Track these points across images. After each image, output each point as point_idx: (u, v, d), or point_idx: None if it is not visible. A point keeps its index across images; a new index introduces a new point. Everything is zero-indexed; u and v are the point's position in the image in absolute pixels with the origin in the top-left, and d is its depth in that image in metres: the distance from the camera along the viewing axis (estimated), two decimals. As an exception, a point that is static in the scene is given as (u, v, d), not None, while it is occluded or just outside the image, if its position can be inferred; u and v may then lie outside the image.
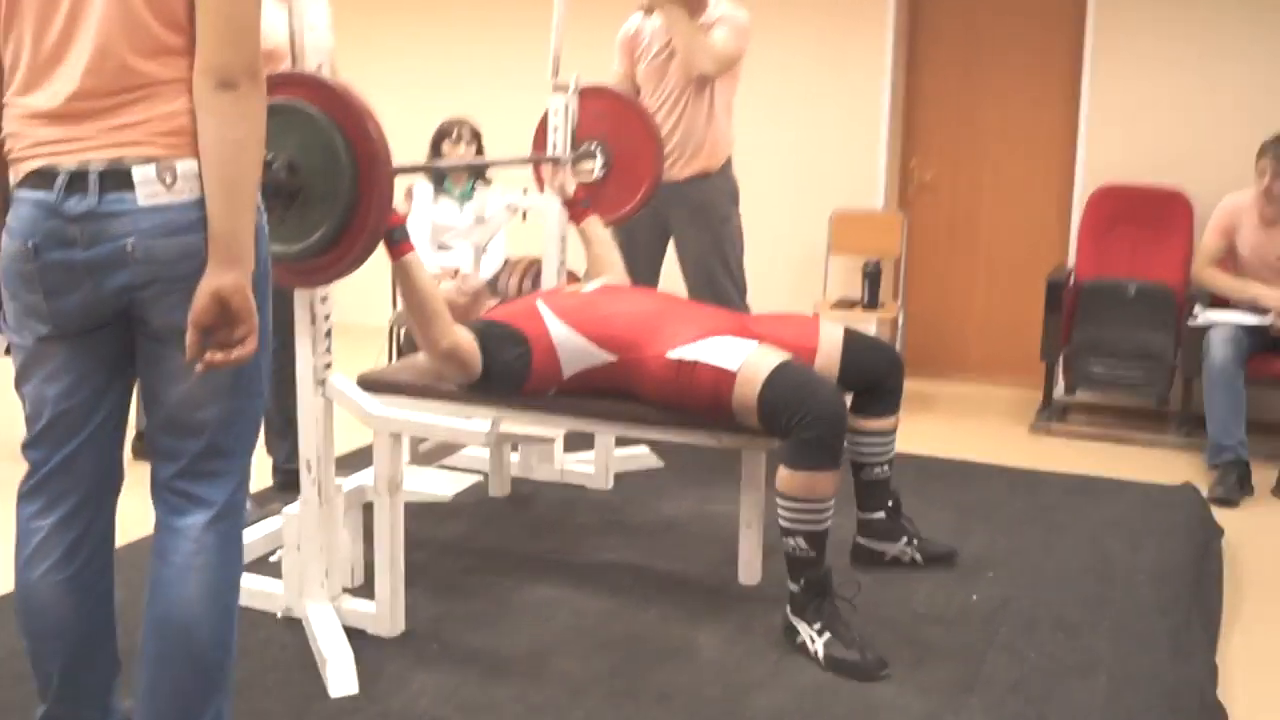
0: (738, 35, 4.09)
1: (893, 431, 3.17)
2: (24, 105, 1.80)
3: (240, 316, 1.77)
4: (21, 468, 1.99)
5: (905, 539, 3.24)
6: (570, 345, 2.99)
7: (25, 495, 1.98)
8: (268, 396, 3.70)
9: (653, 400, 2.97)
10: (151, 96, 1.76)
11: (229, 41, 1.72)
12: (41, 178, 1.77)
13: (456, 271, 3.52)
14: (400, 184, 2.81)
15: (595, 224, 3.63)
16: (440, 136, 4.91)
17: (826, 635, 2.68)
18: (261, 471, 3.80)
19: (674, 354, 2.88)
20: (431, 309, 2.79)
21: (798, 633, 2.74)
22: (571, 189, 3.62)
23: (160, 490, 1.95)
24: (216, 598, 1.94)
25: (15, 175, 1.82)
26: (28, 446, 1.96)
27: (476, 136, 4.94)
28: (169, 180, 1.75)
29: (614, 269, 3.57)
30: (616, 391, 3.03)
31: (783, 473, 2.73)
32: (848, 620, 2.73)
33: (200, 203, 1.77)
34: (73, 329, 1.86)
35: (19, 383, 1.95)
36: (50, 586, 1.96)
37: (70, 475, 1.95)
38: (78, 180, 1.74)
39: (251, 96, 1.74)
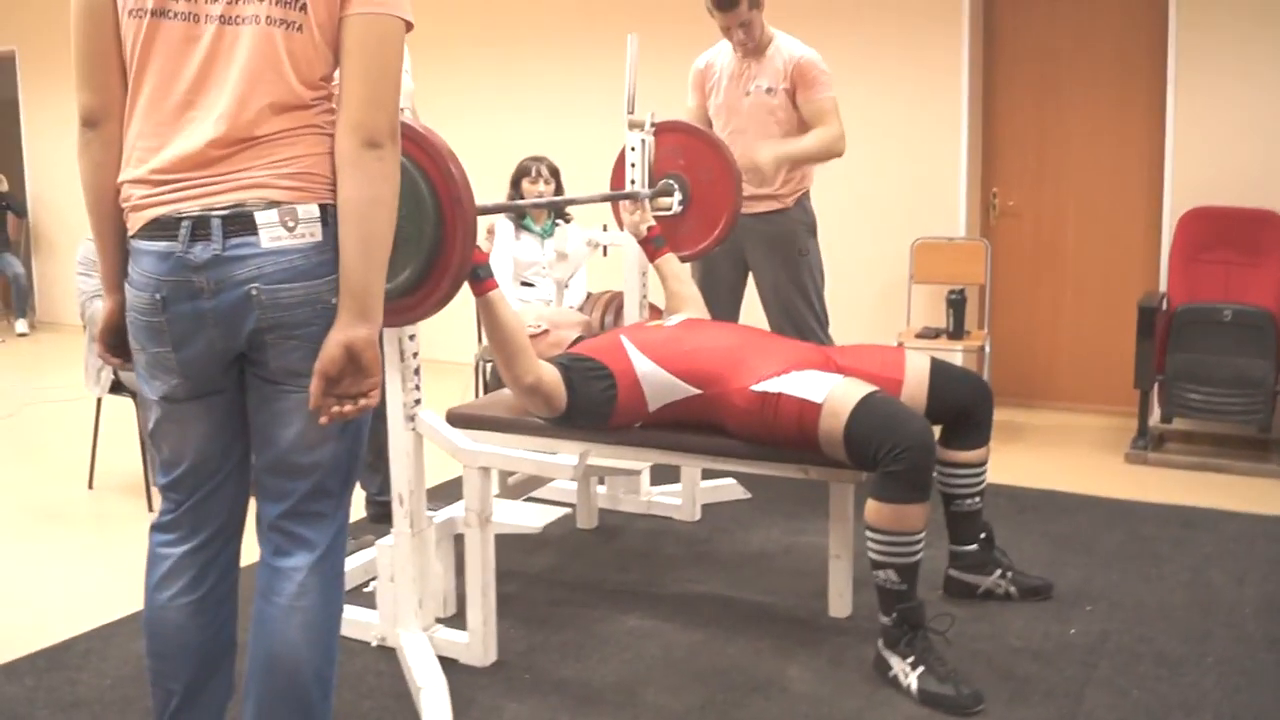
0: (833, 109, 4.10)
1: (983, 464, 3.12)
2: (144, 151, 1.79)
3: (369, 370, 1.81)
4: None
5: (999, 571, 3.18)
6: (655, 380, 3.00)
7: (161, 527, 2.03)
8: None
9: (738, 433, 2.96)
10: (274, 144, 1.79)
11: (377, 103, 1.77)
12: (163, 226, 1.77)
13: (548, 303, 3.57)
14: (482, 222, 2.85)
15: (671, 260, 3.65)
16: (520, 175, 4.98)
17: (920, 669, 2.64)
18: (354, 504, 3.88)
19: (758, 387, 2.87)
20: (516, 345, 2.81)
21: (890, 666, 2.70)
22: (645, 229, 3.63)
23: (265, 530, 1.99)
24: (319, 639, 1.97)
25: (133, 224, 1.82)
26: (167, 489, 2.01)
27: (555, 174, 5.00)
28: (290, 224, 1.77)
29: (692, 303, 3.57)
30: (702, 424, 3.03)
31: (871, 505, 2.70)
32: (941, 654, 2.68)
33: (320, 247, 1.80)
34: (201, 377, 1.89)
35: (154, 433, 1.98)
36: (178, 609, 2.02)
37: (205, 513, 2.01)
38: (201, 226, 1.75)
39: (393, 157, 1.79)
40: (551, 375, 2.92)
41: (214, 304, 1.78)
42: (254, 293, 1.77)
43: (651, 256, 3.66)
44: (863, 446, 2.69)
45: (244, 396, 1.94)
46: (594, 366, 3.02)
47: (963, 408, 3.07)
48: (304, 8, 1.77)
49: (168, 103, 1.78)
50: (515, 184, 4.98)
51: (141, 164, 1.79)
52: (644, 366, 3.01)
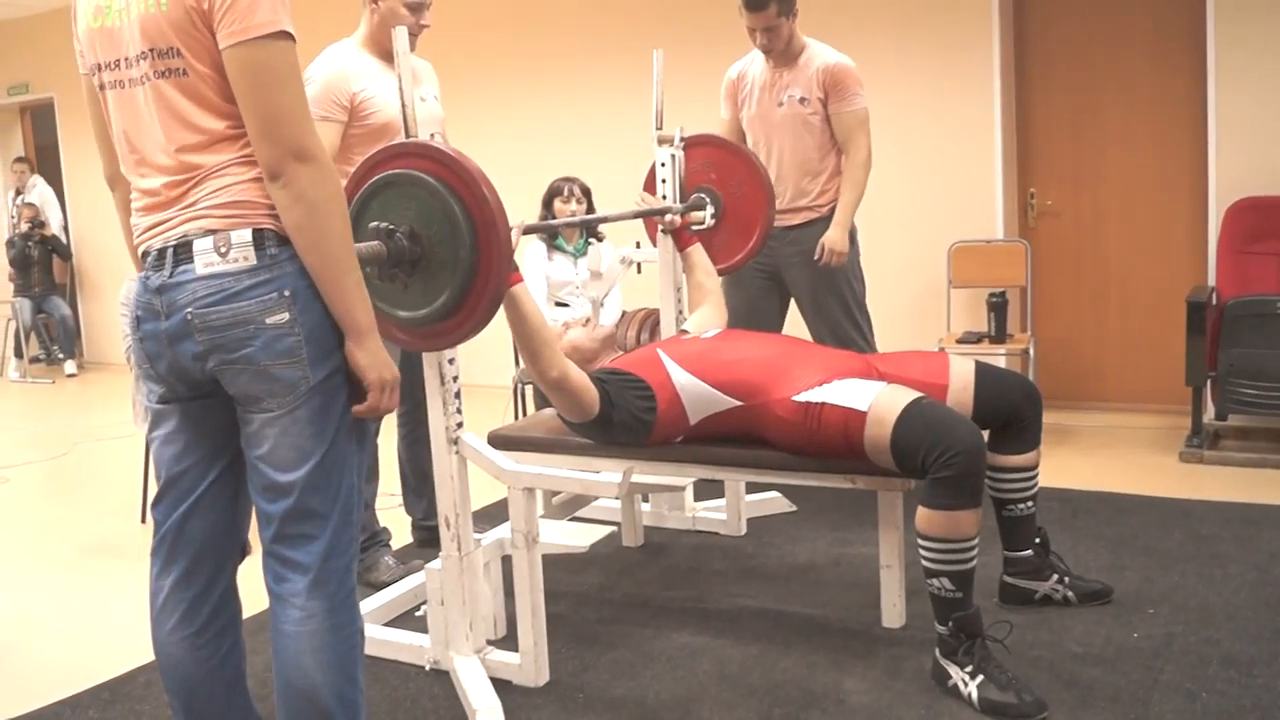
0: (861, 123, 4.09)
1: (1034, 467, 3.06)
2: (135, 197, 1.98)
3: (380, 386, 1.94)
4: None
5: (1055, 577, 3.12)
6: (694, 392, 2.98)
7: (152, 553, 2.09)
8: (402, 458, 3.78)
9: (781, 444, 2.93)
10: (207, 179, 1.87)
11: (261, 135, 1.81)
12: (144, 258, 1.95)
13: (587, 320, 3.55)
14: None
15: (699, 251, 3.64)
16: (552, 195, 4.98)
17: (980, 678, 2.59)
18: (402, 529, 3.88)
19: (800, 397, 2.83)
20: (540, 339, 2.77)
21: (949, 676, 2.65)
22: (678, 220, 3.63)
23: (264, 557, 2.00)
24: (334, 661, 1.96)
25: None
26: (153, 505, 2.08)
27: (587, 194, 5.00)
28: (223, 249, 1.85)
29: (715, 297, 3.57)
30: (745, 436, 3.00)
31: (922, 512, 2.65)
32: (1001, 662, 2.63)
33: (254, 270, 1.86)
34: (181, 394, 1.98)
35: (148, 444, 2.11)
36: (176, 644, 2.05)
37: (183, 536, 2.04)
38: (159, 257, 1.90)
39: (299, 180, 1.81)
40: (579, 374, 2.89)
41: (166, 325, 1.91)
42: (189, 316, 1.87)
43: (681, 245, 3.66)
44: (910, 453, 2.65)
45: (222, 424, 2.00)
46: (632, 381, 2.99)
47: (1011, 410, 3.01)
48: (179, 53, 1.84)
49: (130, 159, 1.96)
50: (547, 204, 4.98)
51: (133, 211, 1.99)
52: (682, 379, 2.98)
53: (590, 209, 4.99)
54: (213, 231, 1.85)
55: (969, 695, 2.59)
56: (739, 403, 2.94)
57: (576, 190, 4.96)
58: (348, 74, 3.28)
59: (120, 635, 3.31)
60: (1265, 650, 2.79)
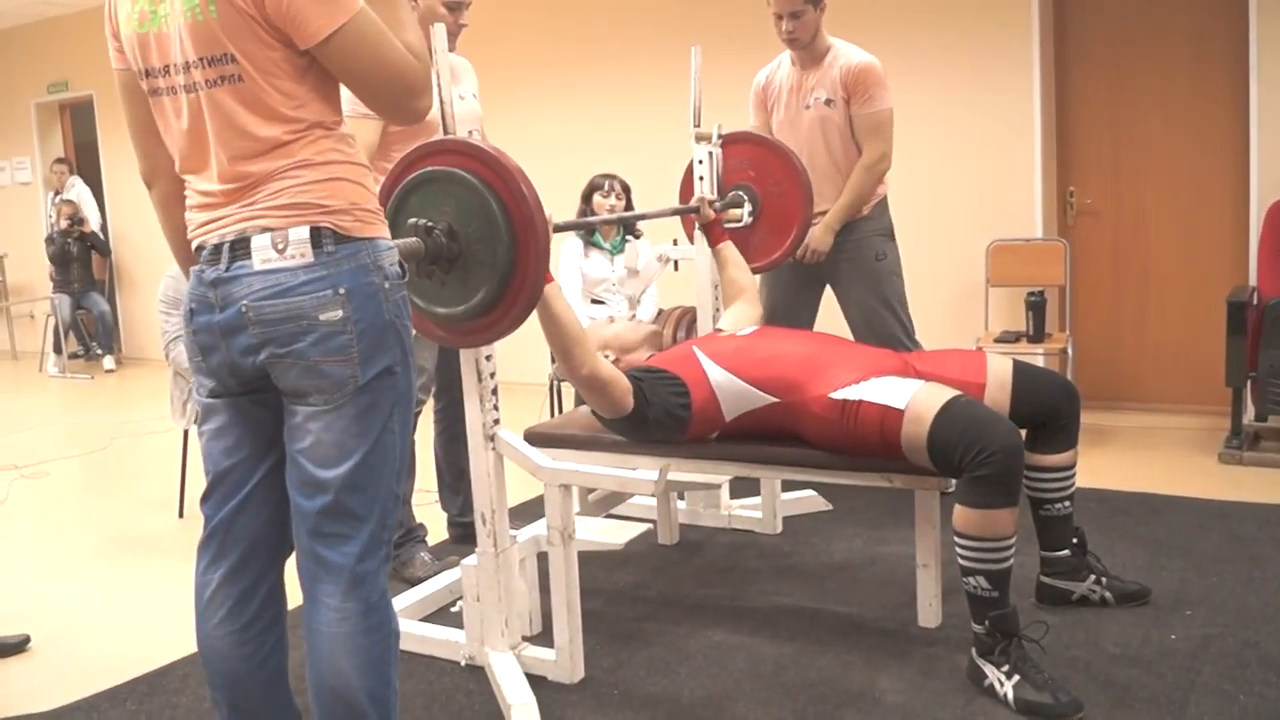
0: (882, 124, 4.05)
1: (1072, 466, 3.04)
2: (190, 195, 2.00)
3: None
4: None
5: (1093, 577, 3.10)
6: (730, 389, 2.98)
7: (200, 547, 2.09)
8: (439, 454, 3.81)
9: (817, 441, 2.93)
10: (265, 183, 1.89)
11: (385, 102, 1.95)
12: (199, 252, 1.97)
13: (633, 316, 3.57)
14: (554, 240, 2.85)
15: (731, 248, 3.65)
16: (591, 190, 4.99)
17: (1016, 678, 2.58)
18: (438, 525, 3.91)
19: (837, 395, 2.83)
20: (570, 336, 2.78)
21: (985, 675, 2.64)
22: (711, 214, 3.64)
23: (298, 555, 2.01)
24: (369, 664, 1.97)
25: None
26: (202, 500, 2.09)
27: (626, 191, 5.00)
28: (281, 246, 1.87)
29: (749, 291, 3.57)
30: (781, 433, 3.00)
31: (959, 511, 2.65)
32: (1037, 662, 2.62)
33: (310, 267, 1.87)
34: (232, 388, 2.00)
35: (200, 438, 2.10)
36: (222, 638, 2.06)
37: (232, 531, 2.05)
38: (216, 252, 1.92)
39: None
40: (610, 370, 2.90)
41: (221, 318, 1.92)
42: (244, 309, 1.89)
43: (714, 241, 3.67)
44: (948, 451, 2.64)
45: (271, 420, 2.01)
46: (667, 378, 3.00)
47: (1049, 409, 2.99)
48: (234, 59, 1.85)
49: (186, 163, 1.97)
50: (586, 199, 4.99)
51: (188, 207, 2.01)
52: (718, 376, 2.99)
53: (629, 206, 5.00)
54: (270, 229, 1.87)
55: (1005, 695, 2.58)
56: (775, 400, 2.94)
57: (617, 186, 4.96)
58: None
59: (158, 629, 3.34)
60: (1306, 653, 2.76)
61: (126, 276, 9.38)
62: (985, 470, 2.57)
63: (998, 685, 2.60)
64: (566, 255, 4.96)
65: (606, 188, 4.94)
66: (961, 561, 2.65)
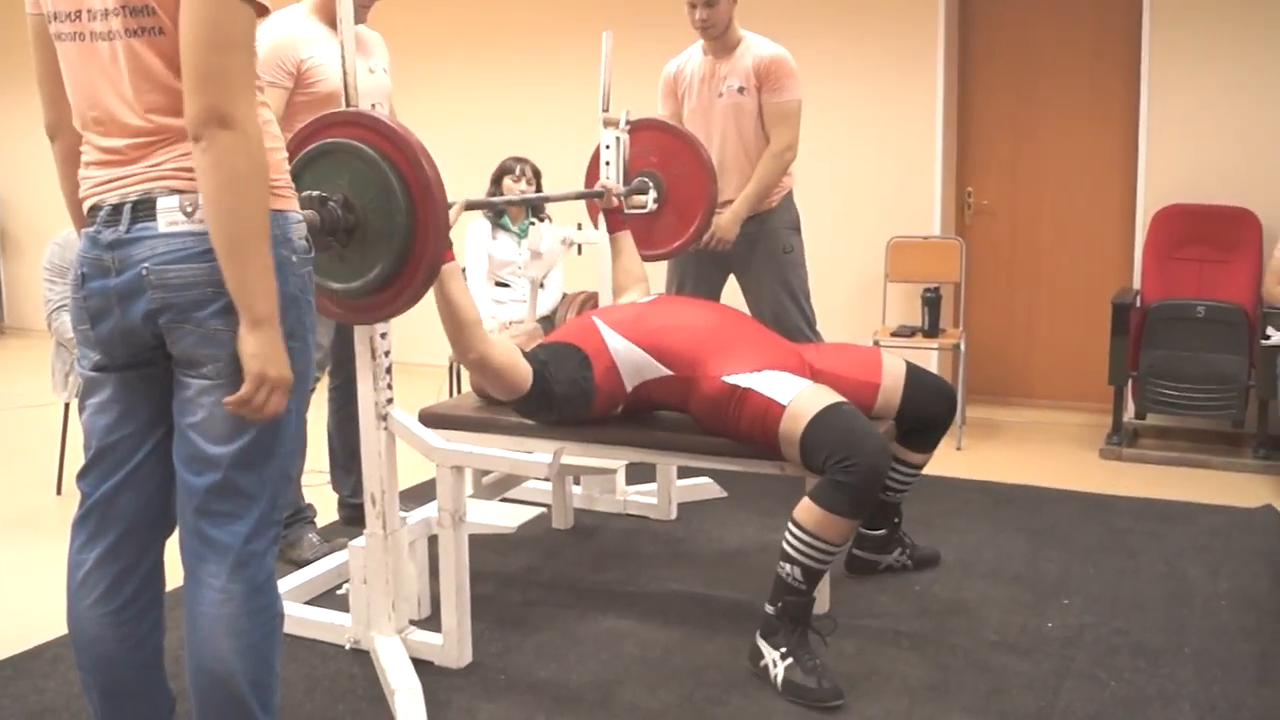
0: (790, 115, 4.08)
1: (923, 466, 3.26)
2: (86, 151, 1.90)
3: (258, 381, 1.79)
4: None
5: (899, 550, 3.35)
6: (629, 358, 2.98)
7: (75, 525, 2.01)
8: (332, 434, 3.75)
9: (699, 420, 2.96)
10: (177, 141, 1.81)
11: (190, 92, 1.73)
12: (92, 213, 1.87)
13: (510, 323, 3.57)
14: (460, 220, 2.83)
15: (628, 238, 3.67)
16: (502, 173, 4.96)
17: (789, 660, 2.66)
18: (328, 507, 3.85)
19: (730, 379, 2.85)
20: (463, 318, 2.76)
21: (762, 655, 2.71)
22: (614, 200, 3.66)
23: (182, 532, 1.94)
24: (251, 647, 1.91)
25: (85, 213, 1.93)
26: (79, 476, 2.00)
27: (537, 175, 4.98)
28: (189, 209, 1.80)
29: (641, 282, 3.58)
30: (679, 407, 3.01)
31: (805, 504, 2.67)
32: (814, 650, 2.69)
33: None
34: (119, 360, 1.92)
35: (80, 412, 2.01)
36: (96, 620, 1.98)
37: (113, 509, 1.97)
38: (115, 213, 1.83)
39: (219, 145, 1.72)
40: (502, 354, 2.88)
41: (117, 282, 1.84)
42: (144, 272, 1.81)
43: (613, 228, 3.68)
44: (817, 450, 2.67)
45: (160, 394, 1.93)
46: (569, 349, 2.99)
47: (929, 417, 3.14)
48: (153, 11, 1.77)
49: (88, 114, 1.88)
50: (496, 181, 4.96)
51: (84, 164, 1.92)
52: (617, 344, 2.98)
53: (539, 190, 4.97)
54: (179, 192, 1.80)
55: (775, 676, 2.66)
56: (670, 371, 2.95)
57: (528, 171, 4.94)
58: (296, 40, 3.23)
59: (27, 610, 3.23)
60: (1171, 641, 2.87)
61: (11, 242, 9.05)
62: (846, 478, 2.60)
63: (772, 666, 2.68)
64: (473, 236, 4.92)
65: (518, 172, 4.91)
66: (786, 548, 2.68)
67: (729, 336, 2.99)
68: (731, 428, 2.86)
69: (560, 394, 2.94)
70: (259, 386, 1.79)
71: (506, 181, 4.92)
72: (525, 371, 2.91)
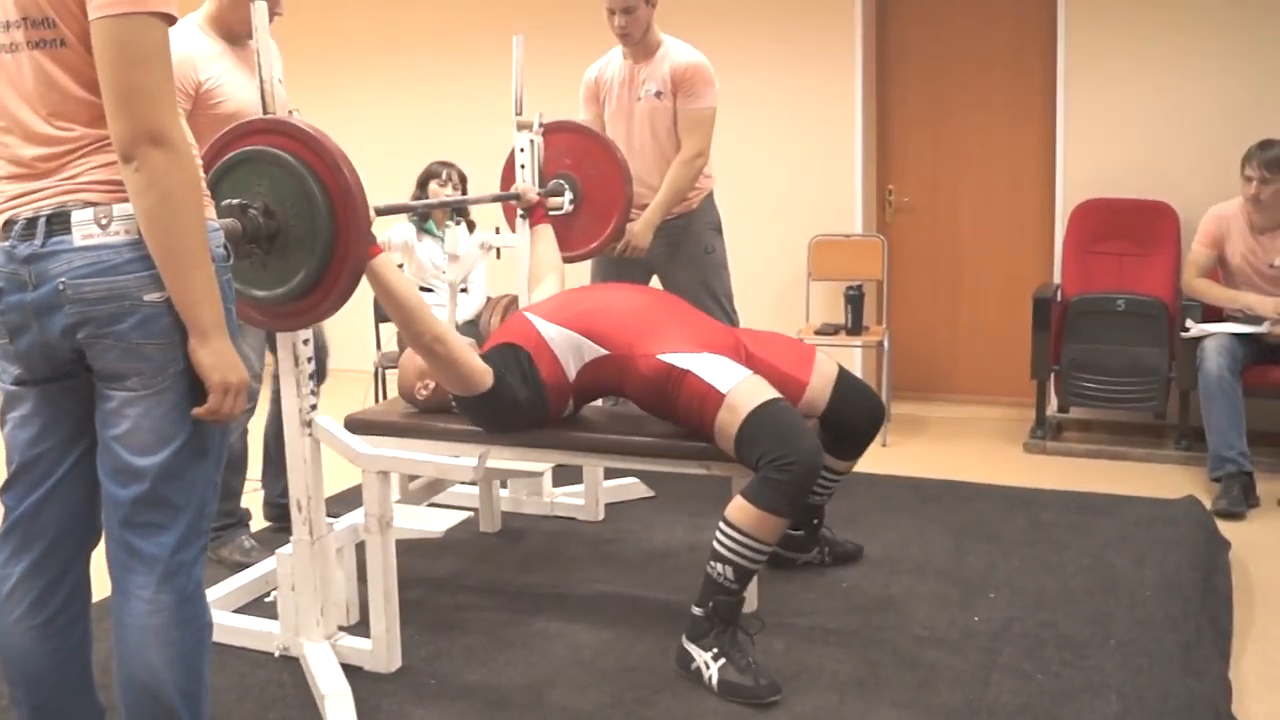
0: (703, 122, 4.07)
1: (848, 472, 3.28)
2: (1, 166, 1.88)
3: (222, 390, 1.84)
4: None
5: (817, 548, 3.38)
6: (564, 343, 2.94)
7: None
8: (268, 436, 3.70)
9: (637, 400, 2.95)
10: (94, 151, 1.80)
11: (116, 113, 1.72)
12: (7, 228, 1.84)
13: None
14: (379, 226, 2.79)
15: (548, 230, 3.67)
16: (428, 177, 4.92)
17: (722, 661, 2.65)
18: (261, 511, 3.80)
19: (666, 358, 2.83)
20: (409, 304, 2.70)
21: (692, 659, 2.70)
22: (534, 196, 3.66)
23: (109, 544, 1.92)
24: (180, 658, 1.90)
25: None
26: (2, 491, 1.98)
27: (464, 181, 4.94)
28: (104, 222, 1.78)
29: (555, 271, 3.57)
30: (617, 389, 2.99)
31: (738, 502, 2.67)
32: (744, 647, 2.69)
33: (135, 245, 1.78)
34: (40, 374, 1.89)
35: (2, 426, 1.98)
36: (23, 634, 1.97)
37: (36, 523, 1.95)
38: (29, 227, 1.80)
39: (151, 164, 1.72)
40: (459, 341, 2.82)
41: (33, 296, 1.82)
42: (60, 286, 1.79)
43: (534, 221, 3.68)
44: (752, 445, 2.66)
45: (82, 408, 1.92)
46: (510, 351, 2.94)
47: (854, 426, 3.15)
48: (54, 24, 1.76)
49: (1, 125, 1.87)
50: (422, 185, 4.92)
51: (1, 179, 1.89)
52: (550, 331, 2.96)
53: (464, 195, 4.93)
54: (93, 204, 1.78)
55: (709, 678, 2.66)
56: (606, 351, 2.93)
57: (454, 176, 4.90)
58: (194, 59, 3.12)
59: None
60: (1097, 633, 2.91)
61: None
62: (780, 476, 2.60)
63: (704, 668, 2.67)
64: (397, 238, 4.87)
65: (444, 176, 4.87)
66: (718, 547, 2.68)
67: (662, 315, 2.98)
68: (669, 408, 2.85)
69: (525, 398, 2.89)
70: (224, 394, 1.84)
71: (433, 186, 4.88)
72: (482, 368, 2.84)
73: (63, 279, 1.77)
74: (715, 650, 2.66)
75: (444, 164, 4.92)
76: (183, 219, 1.75)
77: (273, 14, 3.21)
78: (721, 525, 2.67)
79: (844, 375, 3.12)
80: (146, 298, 1.79)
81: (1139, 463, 4.58)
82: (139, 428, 1.83)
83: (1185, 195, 4.85)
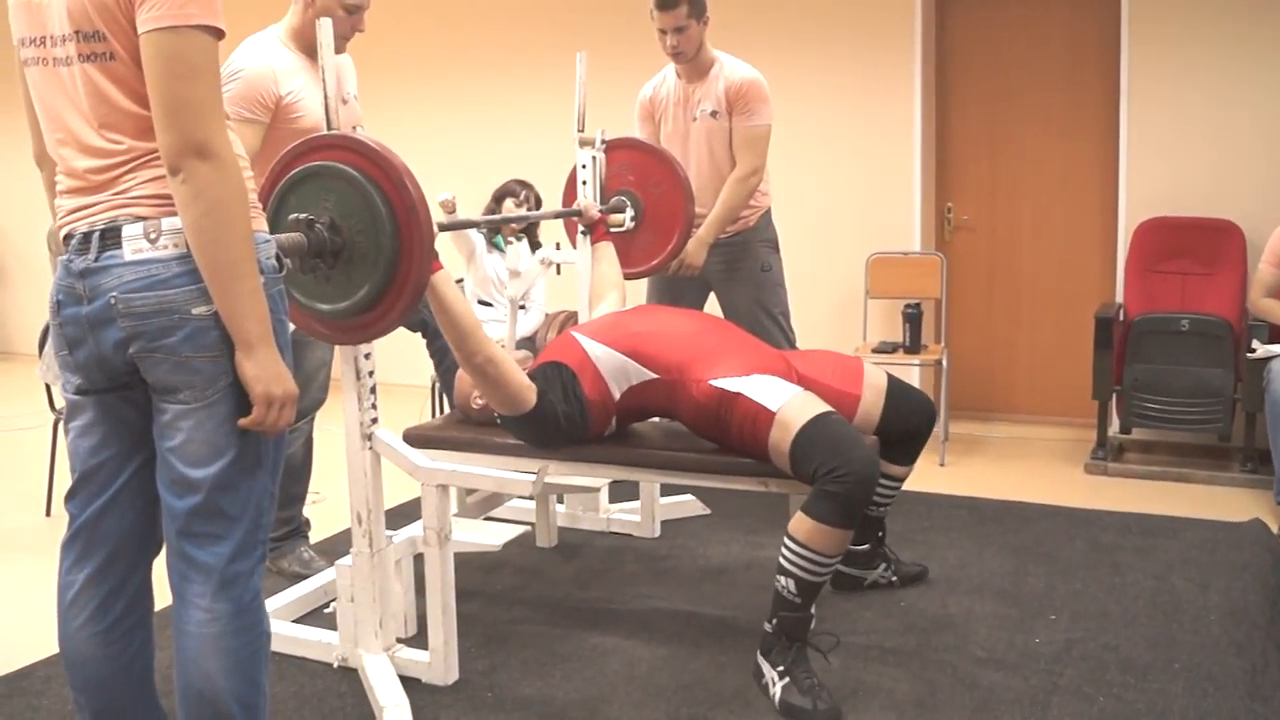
0: (758, 139, 4.07)
1: (904, 479, 3.26)
2: (59, 180, 1.93)
3: (265, 401, 1.85)
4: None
5: (884, 565, 3.34)
6: (610, 363, 2.95)
7: (63, 546, 2.02)
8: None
9: (690, 425, 2.95)
10: (144, 165, 1.83)
11: (164, 125, 1.75)
12: (66, 241, 1.90)
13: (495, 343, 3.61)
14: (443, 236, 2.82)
15: (609, 246, 3.69)
16: (504, 194, 4.92)
17: (786, 680, 2.65)
18: (323, 522, 3.84)
19: (718, 383, 2.84)
20: (465, 324, 2.73)
21: (763, 674, 2.71)
22: (595, 213, 3.68)
23: (169, 554, 1.95)
24: (237, 667, 1.92)
25: None
26: (67, 498, 2.02)
27: (539, 203, 4.93)
28: (153, 236, 1.81)
29: (616, 289, 3.58)
30: (667, 413, 3.00)
31: (800, 517, 2.67)
32: (811, 668, 2.68)
33: (184, 259, 1.81)
34: (98, 385, 1.93)
35: (65, 435, 2.03)
36: (86, 639, 2.00)
37: (98, 531, 1.99)
38: (85, 241, 1.84)
39: (198, 177, 1.74)
40: (506, 360, 2.84)
41: (88, 310, 1.85)
42: (112, 300, 1.82)
43: (595, 239, 3.71)
44: (806, 460, 2.66)
45: (140, 418, 1.95)
46: (554, 369, 2.96)
47: (910, 430, 3.13)
48: (104, 37, 1.79)
49: (54, 138, 1.91)
50: (498, 200, 4.93)
51: (57, 193, 1.94)
52: (597, 351, 2.96)
53: None
54: (143, 219, 1.81)
55: (774, 695, 2.65)
56: (655, 375, 2.93)
57: (531, 198, 4.91)
58: (276, 73, 3.14)
59: (19, 629, 3.22)
60: (1160, 656, 2.86)
61: (2, 266, 9.00)
62: (836, 488, 2.59)
63: (771, 684, 2.67)
64: (465, 247, 4.89)
65: (522, 196, 4.88)
66: (782, 561, 2.68)
67: (713, 341, 2.99)
68: (721, 432, 2.86)
69: (564, 414, 2.90)
70: (269, 406, 1.85)
71: (508, 203, 4.89)
72: (529, 387, 2.87)
73: (114, 293, 1.81)
74: (781, 668, 2.66)
75: (522, 184, 4.93)
76: (229, 231, 1.77)
77: (354, 30, 3.27)
78: (785, 539, 2.68)
79: (895, 384, 3.12)
80: (195, 311, 1.81)
81: (1203, 485, 4.49)
82: (192, 440, 1.86)
83: (1251, 213, 4.78)
